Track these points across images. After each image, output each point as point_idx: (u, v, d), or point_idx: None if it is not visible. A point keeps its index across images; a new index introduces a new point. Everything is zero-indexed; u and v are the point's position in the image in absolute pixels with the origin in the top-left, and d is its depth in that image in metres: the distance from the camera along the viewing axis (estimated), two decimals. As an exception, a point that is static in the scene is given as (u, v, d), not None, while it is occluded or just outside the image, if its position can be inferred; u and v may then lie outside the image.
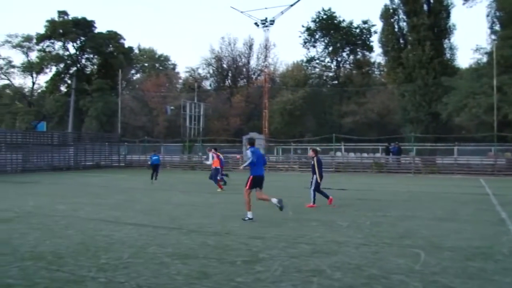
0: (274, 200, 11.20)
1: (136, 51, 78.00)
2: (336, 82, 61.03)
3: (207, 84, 69.88)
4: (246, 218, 11.29)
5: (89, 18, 61.90)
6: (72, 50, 61.79)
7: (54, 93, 63.53)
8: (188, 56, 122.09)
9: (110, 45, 61.53)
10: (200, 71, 69.45)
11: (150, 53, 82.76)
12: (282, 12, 52.59)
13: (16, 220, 11.40)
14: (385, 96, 52.01)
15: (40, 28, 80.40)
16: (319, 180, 13.87)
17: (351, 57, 61.68)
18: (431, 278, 6.56)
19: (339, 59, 61.84)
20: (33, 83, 73.45)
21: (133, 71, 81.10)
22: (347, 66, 62.25)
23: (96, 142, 41.90)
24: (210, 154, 21.18)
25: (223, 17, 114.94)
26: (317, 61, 62.61)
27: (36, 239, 9.08)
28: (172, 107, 56.40)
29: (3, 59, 73.42)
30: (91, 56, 63.17)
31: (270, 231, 9.91)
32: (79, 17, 60.47)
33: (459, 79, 40.20)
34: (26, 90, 73.84)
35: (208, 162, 21.45)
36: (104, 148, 42.38)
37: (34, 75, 71.72)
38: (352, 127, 51.06)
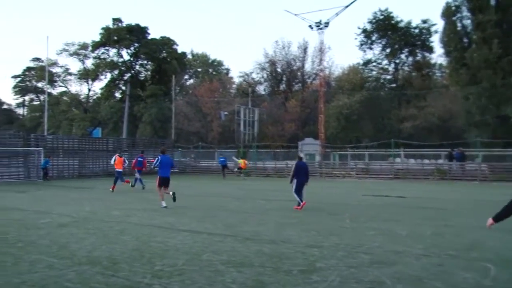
0: (163, 203, 15.41)
1: (189, 56, 79.58)
2: (394, 85, 59.77)
3: (261, 89, 70.28)
4: (162, 207, 15.23)
5: (142, 24, 63.94)
6: (126, 57, 63.80)
7: (109, 99, 65.77)
8: (242, 61, 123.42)
9: (164, 51, 62.95)
10: (254, 75, 70.01)
11: (203, 58, 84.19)
12: (337, 14, 52.13)
13: (74, 225, 11.85)
14: (447, 99, 50.40)
15: (96, 36, 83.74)
16: (290, 183, 15.54)
17: (410, 58, 60.18)
18: (501, 293, 6.27)
19: (397, 61, 60.53)
20: (89, 90, 76.75)
21: (186, 77, 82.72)
22: (406, 68, 60.79)
23: (150, 148, 42.91)
24: (114, 157, 23.42)
25: (277, 21, 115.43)
26: (374, 63, 61.53)
27: (92, 244, 9.38)
28: (226, 113, 57.10)
29: (61, 67, 77.39)
30: (145, 62, 64.83)
31: (328, 240, 9.80)
32: (133, 24, 62.44)
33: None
34: (82, 97, 77.18)
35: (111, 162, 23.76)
36: (158, 153, 43.28)
37: (90, 82, 74.88)
38: (412, 132, 49.79)
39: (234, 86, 75.40)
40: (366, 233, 10.61)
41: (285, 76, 67.57)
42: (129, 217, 13.25)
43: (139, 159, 25.50)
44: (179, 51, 65.54)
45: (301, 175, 15.42)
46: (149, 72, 67.06)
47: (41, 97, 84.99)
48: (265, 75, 68.99)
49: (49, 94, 75.35)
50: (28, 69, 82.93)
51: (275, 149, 47.79)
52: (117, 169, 22.84)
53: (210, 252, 8.59)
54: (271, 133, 56.00)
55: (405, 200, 18.07)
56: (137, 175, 24.60)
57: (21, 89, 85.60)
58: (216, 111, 60.47)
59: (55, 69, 76.97)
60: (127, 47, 62.38)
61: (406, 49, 59.58)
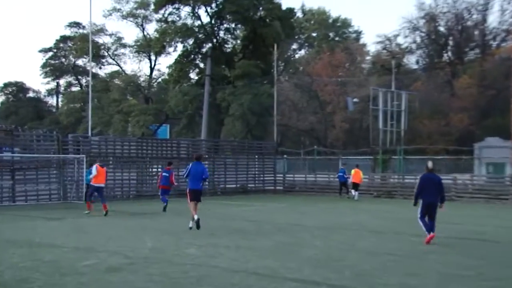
0: (191, 222, 18.79)
1: (299, 15, 79.77)
2: None
3: (411, 61, 69.05)
4: (189, 226, 18.80)
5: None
6: (205, 19, 65.07)
7: (181, 82, 66.75)
8: (380, 18, 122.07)
9: (260, 8, 63.04)
10: (399, 40, 68.88)
11: (321, 16, 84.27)
12: None
13: (129, 268, 12.15)
14: None
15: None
16: (414, 205, 16.58)
17: None
18: None
19: None
20: (151, 69, 79.35)
21: (294, 46, 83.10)
22: None
23: (240, 154, 43.44)
24: (94, 167, 24.96)
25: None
26: None
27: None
28: (356, 100, 56.60)
29: (111, 35, 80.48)
30: (233, 25, 65.68)
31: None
32: (214, -32, 63.25)
33: None
34: (142, 79, 79.72)
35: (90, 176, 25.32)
36: (253, 163, 43.91)
37: (153, 57, 77.30)
38: None
39: (368, 58, 74.70)
40: None
41: (452, 38, 65.69)
42: (211, 258, 13.43)
43: (164, 174, 27.02)
44: (284, 7, 65.47)
45: (429, 193, 16.18)
46: (238, 41, 67.77)
47: (83, 81, 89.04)
48: (418, 39, 67.75)
49: (94, 75, 78.90)
50: (63, 39, 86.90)
51: (435, 156, 46.55)
52: (94, 184, 24.69)
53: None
54: (428, 131, 54.73)
55: None
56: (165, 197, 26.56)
57: (53, 69, 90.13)
58: (340, 97, 60.17)
59: (102, 39, 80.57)
60: (207, 4, 63.08)
61: None
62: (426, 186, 16.20)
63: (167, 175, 26.63)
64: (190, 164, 19.43)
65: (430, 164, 17.16)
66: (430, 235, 15.76)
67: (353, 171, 37.31)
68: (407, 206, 27.31)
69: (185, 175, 19.64)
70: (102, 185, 25.05)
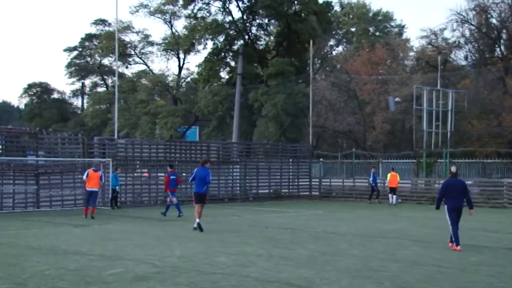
0: (195, 224, 21.07)
1: (337, 8, 79.72)
2: None
3: (459, 57, 68.46)
4: (193, 227, 21.12)
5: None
6: (236, 14, 65.01)
7: (211, 81, 66.80)
8: (425, 11, 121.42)
9: (295, 2, 62.96)
10: (446, 34, 68.39)
11: (360, 10, 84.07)
12: None
13: (156, 278, 12.28)
14: None
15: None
16: (437, 208, 17.69)
17: None
18: None
19: None
20: (180, 68, 79.82)
21: (331, 42, 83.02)
22: None
23: (274, 158, 43.45)
24: (86, 172, 27.24)
25: None
26: None
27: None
28: (397, 99, 56.32)
29: (137, 33, 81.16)
30: (266, 21, 65.51)
31: None
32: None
33: None
34: (170, 79, 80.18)
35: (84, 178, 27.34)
36: (287, 166, 43.95)
37: (181, 55, 77.76)
38: None
39: (411, 54, 74.27)
40: None
41: (505, 31, 64.91)
42: (242, 267, 13.51)
43: (171, 176, 28.43)
44: (320, 0, 65.23)
45: (454, 197, 16.83)
46: (272, 38, 67.70)
47: (109, 81, 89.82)
48: (467, 33, 67.04)
49: (121, 75, 79.58)
50: (88, 37, 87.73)
51: (485, 159, 46.16)
52: (88, 188, 26.63)
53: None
54: (477, 132, 54.27)
55: None
56: (173, 199, 28.18)
57: (78, 69, 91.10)
58: (381, 96, 59.89)
59: (128, 37, 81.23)
60: (238, -2, 63.21)
61: None
62: (448, 192, 16.86)
63: (174, 177, 28.43)
64: (196, 169, 22.14)
65: (454, 168, 17.67)
66: (455, 247, 16.49)
67: (389, 175, 37.26)
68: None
69: (190, 179, 22.94)
70: (96, 189, 26.69)
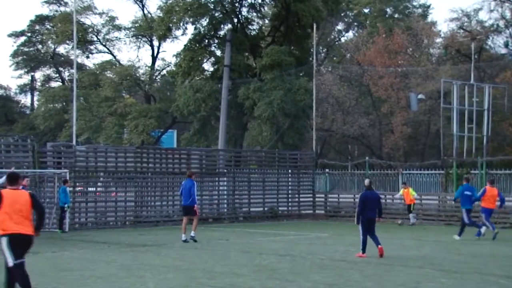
0: (183, 236, 26.45)
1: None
2: None
3: (498, 44, 68.66)
4: (182, 239, 26.50)
5: None
6: (223, -8, 64.99)
7: (192, 75, 66.69)
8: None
9: (295, -23, 63.29)
10: (482, 16, 68.53)
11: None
12: None
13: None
14: None
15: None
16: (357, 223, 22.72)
17: None
18: None
19: None
20: (154, 58, 79.94)
21: (340, 27, 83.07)
22: None
23: (269, 168, 43.49)
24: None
25: None
26: None
27: None
28: (421, 96, 56.40)
29: (101, 14, 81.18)
30: (259, 0, 65.59)
31: None
32: None
33: None
34: (141, 72, 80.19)
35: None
36: (286, 179, 44.01)
37: (155, 42, 77.91)
38: None
39: (438, 41, 74.34)
40: None
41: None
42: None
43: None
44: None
45: (370, 209, 21.99)
46: (266, 21, 67.75)
47: (65, 73, 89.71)
48: (507, 14, 67.26)
49: (80, 67, 79.67)
50: (39, 20, 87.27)
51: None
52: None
53: None
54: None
55: None
56: None
57: (26, 59, 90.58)
58: (401, 92, 60.00)
59: (89, 19, 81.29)
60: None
61: None
62: (366, 204, 21.96)
63: None
64: (183, 182, 28.04)
65: (367, 181, 22.74)
66: (378, 247, 21.85)
67: (401, 191, 37.42)
68: (491, 238, 27.40)
69: (180, 192, 28.66)
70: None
